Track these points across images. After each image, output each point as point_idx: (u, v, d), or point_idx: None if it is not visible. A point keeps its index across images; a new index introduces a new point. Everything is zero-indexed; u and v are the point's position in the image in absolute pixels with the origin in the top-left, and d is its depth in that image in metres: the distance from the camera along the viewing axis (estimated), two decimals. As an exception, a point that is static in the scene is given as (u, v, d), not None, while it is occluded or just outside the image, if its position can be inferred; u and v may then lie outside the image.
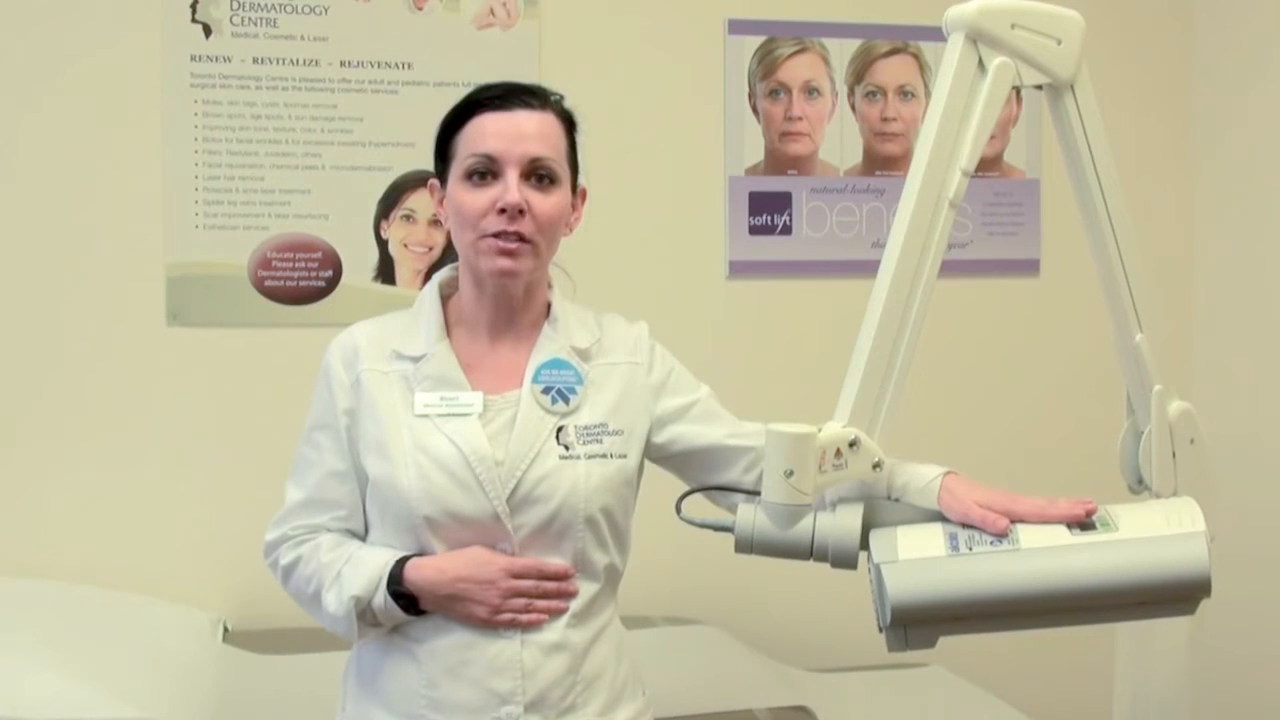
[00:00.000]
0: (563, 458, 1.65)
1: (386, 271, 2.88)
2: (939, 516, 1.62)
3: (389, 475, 1.64)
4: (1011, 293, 3.24)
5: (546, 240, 1.67)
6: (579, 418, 1.68)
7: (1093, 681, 2.78)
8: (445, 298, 1.75)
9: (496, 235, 1.63)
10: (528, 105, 1.67)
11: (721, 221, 3.07)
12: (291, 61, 2.83)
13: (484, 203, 1.64)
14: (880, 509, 1.66)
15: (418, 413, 1.65)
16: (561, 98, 1.73)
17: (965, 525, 1.59)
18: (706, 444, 1.75)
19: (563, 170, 1.68)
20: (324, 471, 1.69)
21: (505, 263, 1.64)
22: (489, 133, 1.65)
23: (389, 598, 1.61)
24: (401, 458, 1.63)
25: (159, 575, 2.75)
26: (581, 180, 1.75)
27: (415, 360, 1.68)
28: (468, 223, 1.65)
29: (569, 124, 1.73)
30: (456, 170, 1.67)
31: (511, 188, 1.63)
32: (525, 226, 1.64)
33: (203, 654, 2.51)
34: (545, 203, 1.65)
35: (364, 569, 1.63)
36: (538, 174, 1.66)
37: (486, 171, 1.65)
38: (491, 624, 1.62)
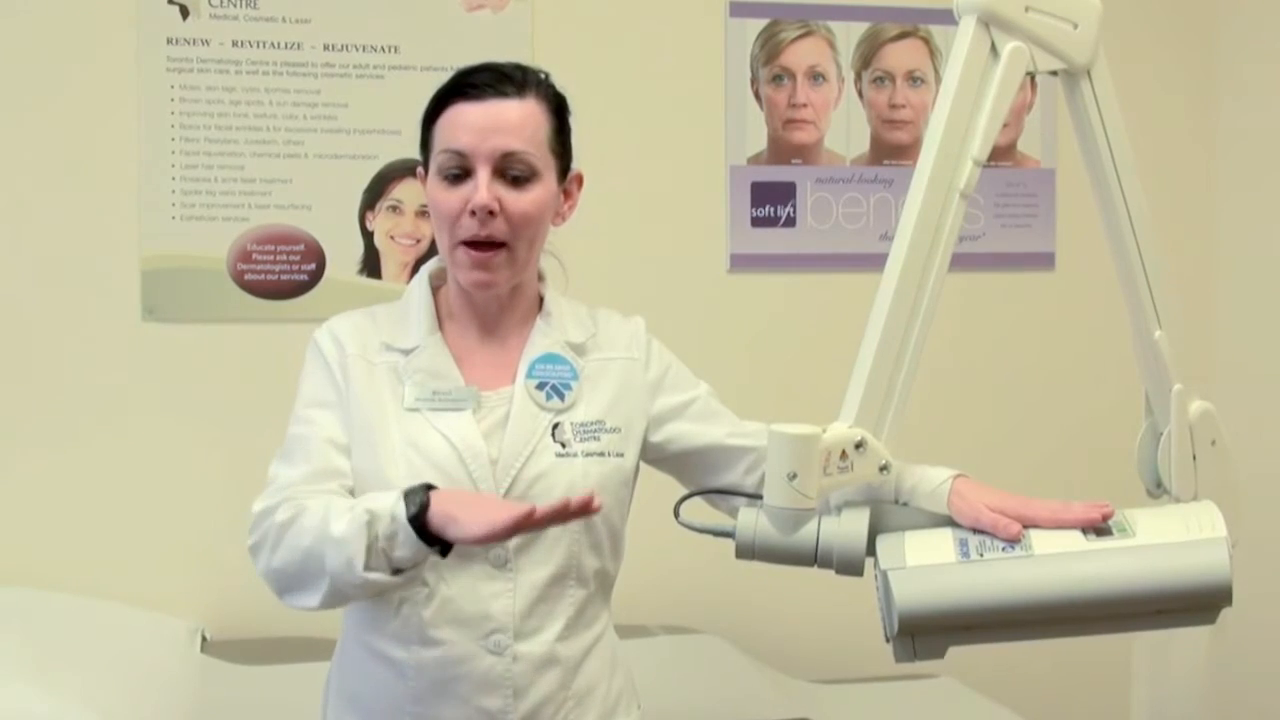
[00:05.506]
0: (559, 455, 1.63)
1: (372, 264, 2.85)
2: (949, 521, 1.61)
3: (376, 470, 1.60)
4: (1025, 287, 3.21)
5: (525, 242, 1.63)
6: (575, 414, 1.66)
7: (1108, 694, 2.77)
8: (435, 289, 1.72)
9: (470, 244, 1.60)
10: (503, 94, 1.62)
11: (722, 213, 3.04)
12: (272, 45, 2.79)
13: (456, 203, 1.61)
14: (887, 513, 1.63)
15: (408, 406, 1.63)
16: (547, 76, 1.69)
17: (976, 530, 1.57)
18: (706, 443, 1.73)
19: (542, 162, 1.64)
20: (323, 439, 1.61)
21: (479, 275, 1.62)
22: (460, 126, 1.61)
23: (404, 500, 1.45)
24: (390, 453, 1.60)
25: (134, 582, 2.70)
26: (576, 165, 1.71)
27: (406, 353, 1.66)
28: (444, 225, 1.63)
29: (557, 106, 1.68)
30: (432, 165, 1.65)
31: (481, 188, 1.59)
32: (498, 229, 1.60)
33: (180, 664, 2.49)
34: (520, 201, 1.61)
35: (380, 496, 1.49)
36: (512, 171, 1.61)
37: (459, 169, 1.61)
38: (487, 540, 1.45)
